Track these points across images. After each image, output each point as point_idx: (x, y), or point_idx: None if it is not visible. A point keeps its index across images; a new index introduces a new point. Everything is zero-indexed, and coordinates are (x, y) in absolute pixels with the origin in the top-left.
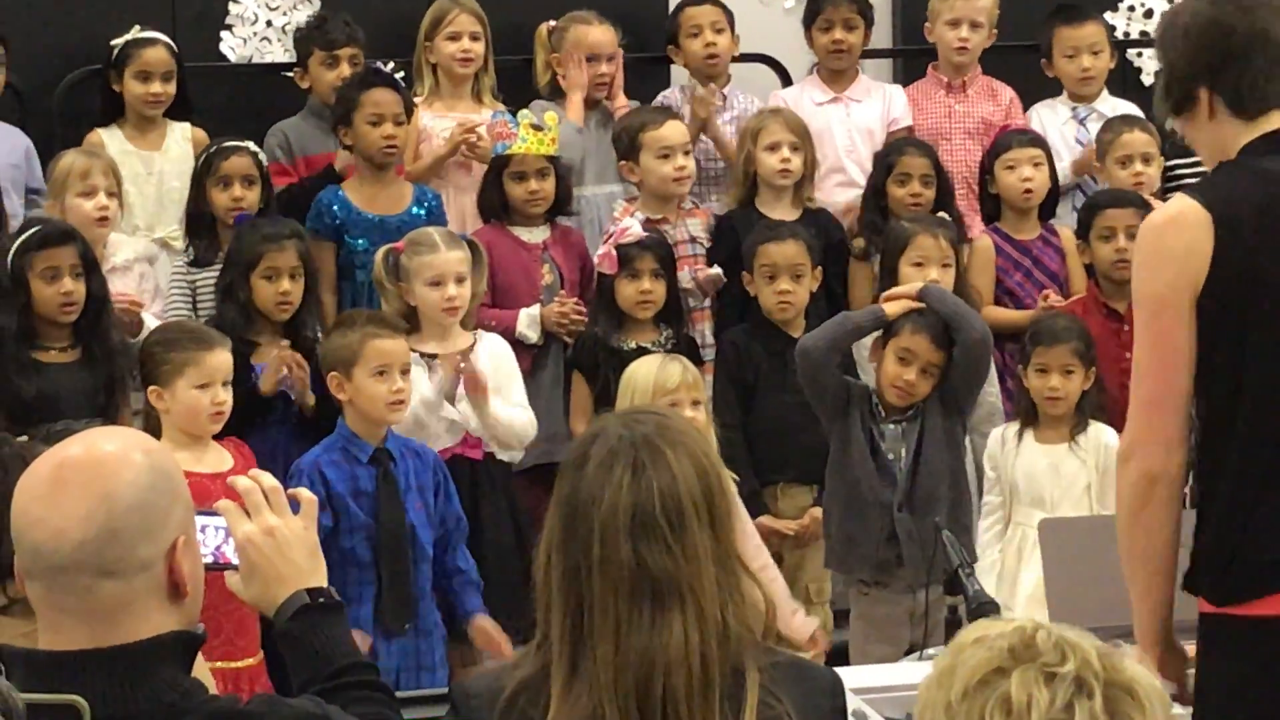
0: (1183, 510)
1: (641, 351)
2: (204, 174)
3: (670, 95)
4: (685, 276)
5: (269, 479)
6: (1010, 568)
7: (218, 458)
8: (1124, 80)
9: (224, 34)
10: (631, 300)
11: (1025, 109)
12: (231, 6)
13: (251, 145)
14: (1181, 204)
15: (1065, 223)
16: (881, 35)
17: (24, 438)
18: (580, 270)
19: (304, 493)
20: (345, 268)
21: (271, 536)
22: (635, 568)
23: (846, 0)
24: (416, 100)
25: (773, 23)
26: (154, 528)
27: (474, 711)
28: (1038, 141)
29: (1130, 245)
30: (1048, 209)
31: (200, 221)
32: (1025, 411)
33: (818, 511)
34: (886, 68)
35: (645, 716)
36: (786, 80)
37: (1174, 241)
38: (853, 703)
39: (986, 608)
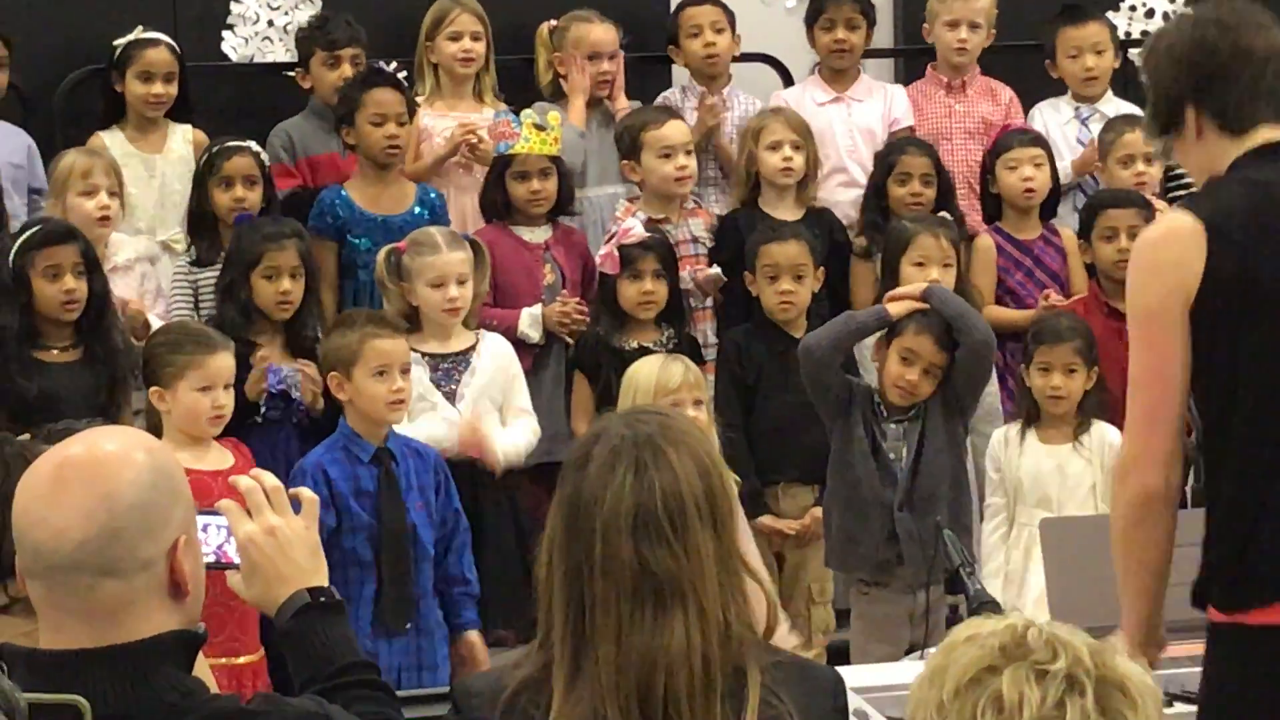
0: (1184, 510)
1: (643, 351)
2: (206, 174)
3: (671, 95)
4: (685, 277)
5: (270, 478)
6: (1017, 569)
7: (219, 456)
8: (1125, 80)
9: (225, 34)
10: (633, 301)
11: (1026, 109)
12: (233, 6)
13: (253, 145)
14: (1173, 218)
15: (1065, 223)
16: (883, 35)
17: (25, 437)
18: (582, 270)
19: (305, 492)
20: (347, 267)
21: (273, 536)
22: (637, 567)
23: (849, 0)
24: (418, 100)
25: (774, 22)
26: (155, 527)
27: (475, 710)
28: (1039, 141)
29: (1132, 245)
30: (1049, 209)
31: (202, 221)
32: (1027, 411)
33: (819, 511)
34: (888, 67)
35: (647, 716)
36: (788, 80)
37: (1166, 255)
38: (854, 702)
39: (987, 607)
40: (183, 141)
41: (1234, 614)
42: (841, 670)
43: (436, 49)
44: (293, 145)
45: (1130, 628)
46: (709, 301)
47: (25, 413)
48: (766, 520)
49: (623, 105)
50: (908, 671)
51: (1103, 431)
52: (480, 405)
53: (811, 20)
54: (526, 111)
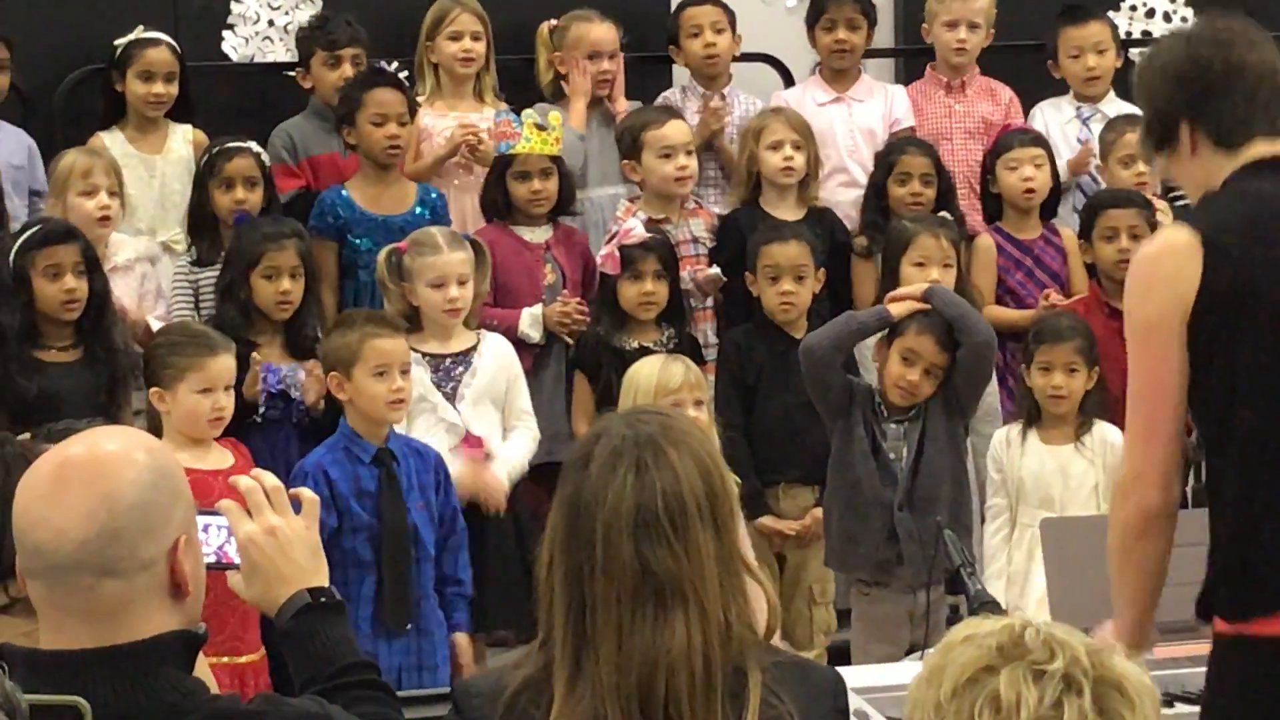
0: (1184, 510)
1: (644, 351)
2: (206, 175)
3: (671, 95)
4: (685, 277)
5: (271, 478)
6: (1020, 570)
7: (219, 456)
8: (1126, 80)
9: (226, 33)
10: (634, 301)
11: (1026, 109)
12: (233, 6)
13: (254, 146)
14: (1170, 232)
15: (1064, 222)
16: (884, 35)
17: (26, 436)
18: (582, 270)
19: (306, 492)
20: (348, 267)
21: (273, 536)
22: (638, 568)
23: (850, 0)
24: (418, 100)
25: (775, 22)
26: (155, 527)
27: (476, 710)
28: (1039, 141)
29: (1133, 245)
30: (1049, 209)
31: (202, 221)
32: (1028, 412)
33: (819, 512)
34: (889, 67)
35: (648, 717)
36: (788, 80)
37: (1163, 269)
38: (855, 702)
39: (988, 608)
40: (183, 141)
41: (1238, 624)
42: (842, 670)
43: (437, 49)
44: (294, 146)
45: (1121, 629)
46: (709, 301)
47: (25, 412)
48: (767, 521)
49: (623, 107)
50: (908, 672)
51: (1104, 431)
52: (481, 409)
53: (812, 21)
54: (528, 111)
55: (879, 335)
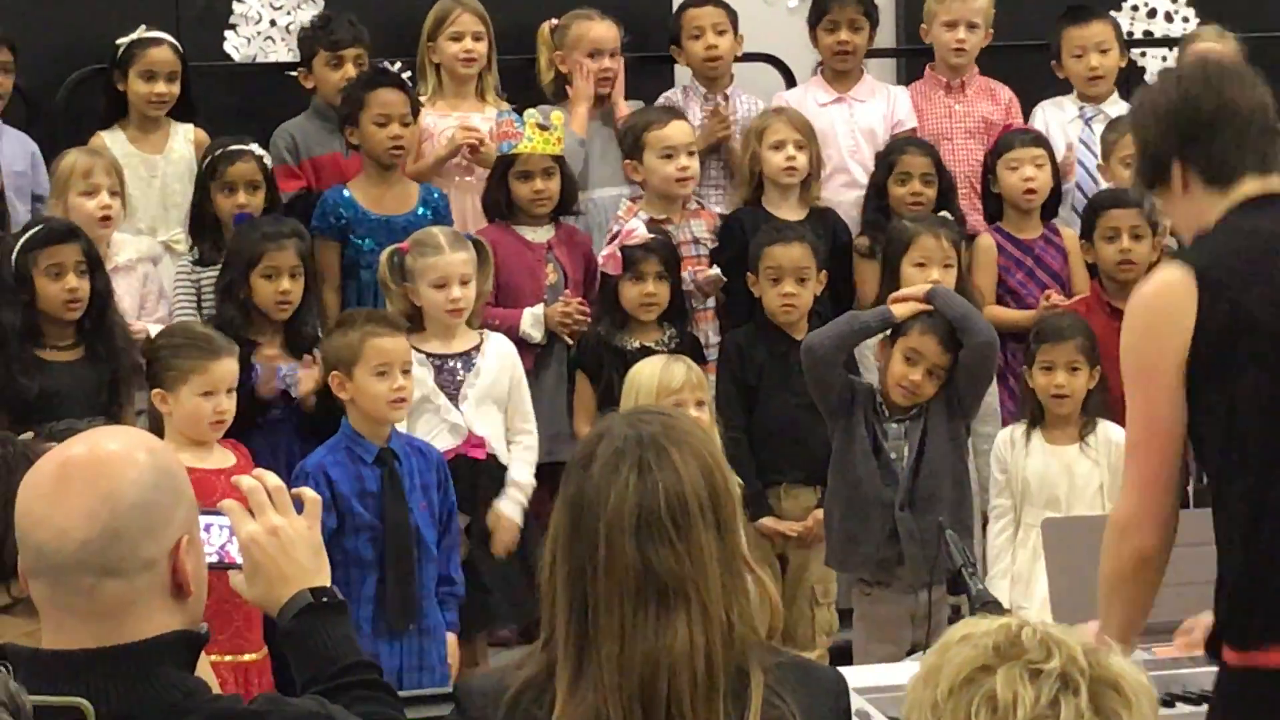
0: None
1: (645, 351)
2: (208, 177)
3: (673, 95)
4: (686, 278)
5: (273, 478)
6: (1025, 570)
7: (221, 456)
8: (1127, 80)
9: (228, 33)
10: (635, 302)
11: (1027, 109)
12: (235, 6)
13: (256, 149)
14: (1165, 272)
15: (1064, 223)
16: (885, 35)
17: (28, 435)
18: (584, 270)
19: (308, 492)
20: (351, 267)
21: (275, 536)
22: (640, 568)
23: (852, 1)
24: (421, 100)
25: (776, 23)
26: (157, 527)
27: (479, 710)
28: (1040, 141)
29: (1135, 245)
30: (1050, 209)
31: (204, 222)
32: (1032, 412)
33: (820, 513)
34: (890, 68)
35: (650, 717)
36: (790, 80)
37: (1159, 312)
38: (856, 702)
39: (990, 608)
40: (184, 141)
41: (1247, 653)
42: (844, 671)
43: (438, 49)
44: (296, 146)
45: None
46: (711, 302)
47: (27, 411)
48: (768, 522)
49: (624, 110)
50: (910, 672)
51: (1108, 431)
52: (484, 410)
53: (814, 21)
54: (530, 111)
55: (881, 335)
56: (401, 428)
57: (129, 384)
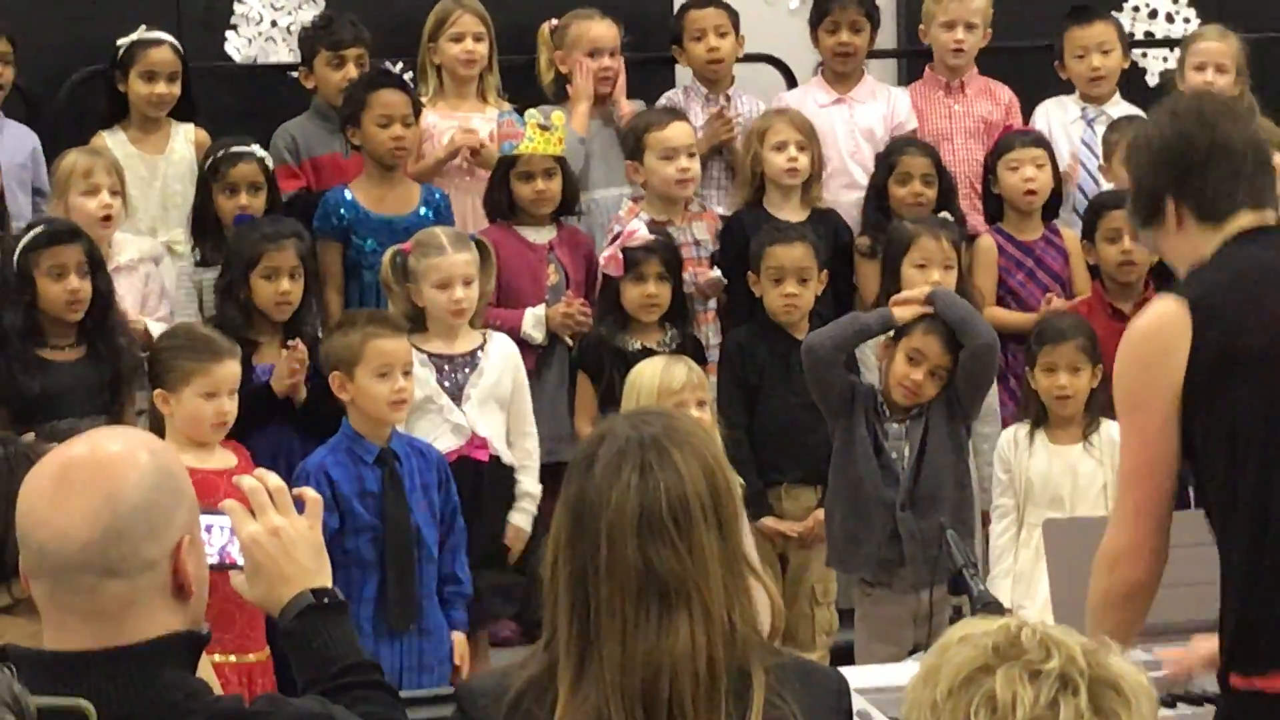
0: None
1: (646, 352)
2: (210, 178)
3: (674, 95)
4: (687, 280)
5: (274, 478)
6: (1027, 570)
7: (223, 456)
8: (1128, 80)
9: (229, 34)
10: (636, 303)
11: (1027, 109)
12: (236, 6)
13: (258, 150)
14: (1160, 304)
15: (1065, 223)
16: (886, 36)
17: (29, 436)
18: (586, 270)
19: (309, 492)
20: (353, 268)
21: (276, 536)
22: (642, 569)
23: (853, 2)
24: (422, 100)
25: (777, 23)
26: (159, 527)
27: (480, 711)
28: (1041, 142)
29: (1136, 246)
30: (1051, 209)
31: (205, 222)
32: (1035, 413)
33: (821, 513)
34: (891, 68)
35: (652, 717)
36: (791, 81)
37: (1155, 346)
38: (858, 703)
39: (991, 608)
40: (185, 142)
41: (1252, 678)
42: (845, 671)
43: (439, 50)
44: (297, 146)
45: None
46: (712, 303)
47: (28, 411)
48: (769, 522)
49: (625, 110)
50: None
51: (1112, 431)
52: (486, 410)
53: (815, 22)
54: (531, 111)
55: (884, 335)
56: (401, 428)
57: (130, 384)
